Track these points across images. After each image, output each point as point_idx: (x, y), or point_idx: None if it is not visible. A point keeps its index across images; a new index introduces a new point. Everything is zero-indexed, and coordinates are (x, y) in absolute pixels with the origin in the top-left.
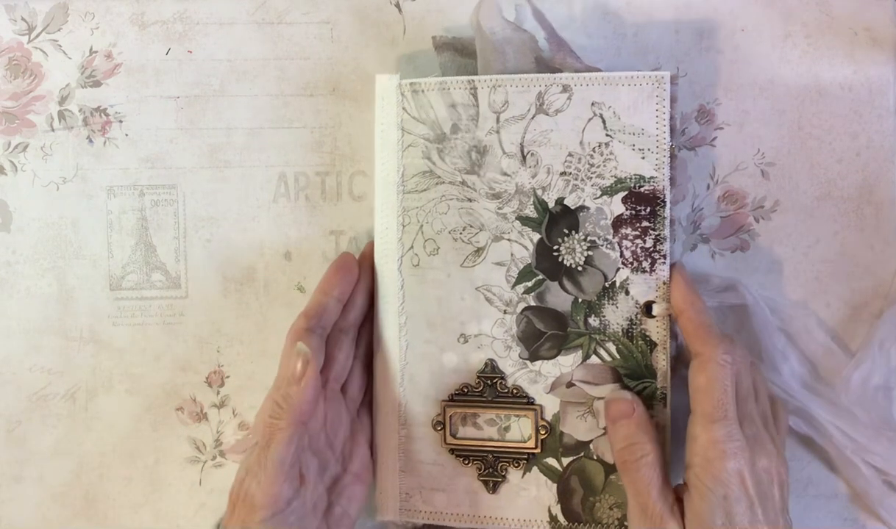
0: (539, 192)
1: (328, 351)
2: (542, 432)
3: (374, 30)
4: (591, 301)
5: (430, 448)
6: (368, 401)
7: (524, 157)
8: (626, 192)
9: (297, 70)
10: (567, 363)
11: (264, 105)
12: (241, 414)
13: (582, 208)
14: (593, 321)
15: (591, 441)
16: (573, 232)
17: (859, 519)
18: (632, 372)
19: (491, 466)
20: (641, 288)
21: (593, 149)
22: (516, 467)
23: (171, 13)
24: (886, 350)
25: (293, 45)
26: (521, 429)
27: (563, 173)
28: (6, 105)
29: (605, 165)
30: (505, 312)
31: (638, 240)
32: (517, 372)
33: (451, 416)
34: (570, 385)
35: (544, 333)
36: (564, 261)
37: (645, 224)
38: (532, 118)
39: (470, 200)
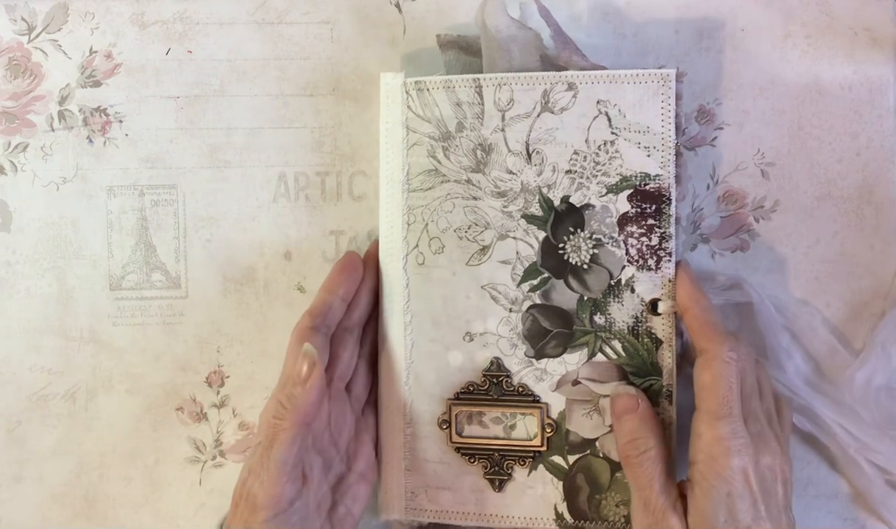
0: (544, 190)
1: (333, 350)
2: (548, 430)
3: (374, 30)
4: (596, 299)
5: (435, 446)
6: (373, 400)
7: (529, 156)
8: (632, 190)
9: (297, 70)
10: (573, 361)
11: (264, 105)
12: (241, 413)
13: (587, 206)
14: (599, 319)
15: (596, 438)
16: (579, 230)
17: (859, 519)
18: (637, 370)
19: (497, 464)
20: (647, 285)
21: (599, 147)
22: (522, 465)
23: (171, 13)
24: (888, 351)
25: (293, 45)
26: (526, 427)
27: (568, 171)
28: (6, 105)
29: (610, 163)
30: (510, 310)
31: (643, 238)
32: (523, 370)
33: (456, 415)
34: (575, 383)
35: (550, 331)
36: (570, 259)
37: (650, 222)
38: (537, 116)
39: (475, 199)
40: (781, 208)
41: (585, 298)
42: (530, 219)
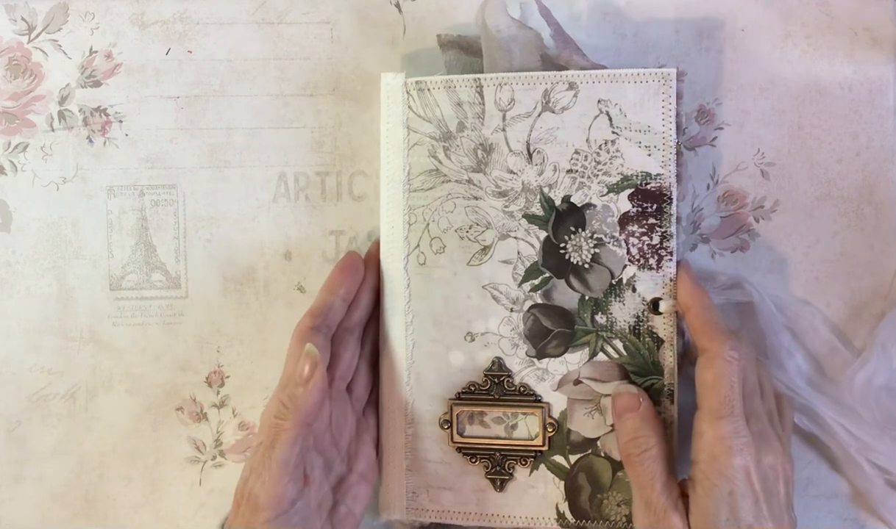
0: (545, 190)
1: (334, 350)
2: (550, 429)
3: (374, 30)
4: (597, 298)
5: (436, 446)
6: (374, 400)
7: (530, 155)
8: (633, 190)
9: (297, 70)
10: (574, 360)
11: (264, 105)
12: (241, 413)
13: (588, 206)
14: (600, 318)
15: (598, 438)
16: (580, 229)
17: (859, 519)
18: (639, 369)
19: (498, 464)
20: (648, 285)
21: (599, 147)
22: (524, 465)
23: (171, 13)
24: (889, 351)
25: (293, 45)
26: (528, 427)
27: (569, 171)
28: (6, 105)
29: (611, 163)
30: (512, 310)
31: (644, 237)
32: (524, 369)
33: (458, 415)
34: (577, 382)
35: (551, 331)
36: (571, 259)
37: (651, 221)
38: (538, 116)
39: (476, 198)
40: (781, 208)
41: (587, 298)
42: (531, 218)
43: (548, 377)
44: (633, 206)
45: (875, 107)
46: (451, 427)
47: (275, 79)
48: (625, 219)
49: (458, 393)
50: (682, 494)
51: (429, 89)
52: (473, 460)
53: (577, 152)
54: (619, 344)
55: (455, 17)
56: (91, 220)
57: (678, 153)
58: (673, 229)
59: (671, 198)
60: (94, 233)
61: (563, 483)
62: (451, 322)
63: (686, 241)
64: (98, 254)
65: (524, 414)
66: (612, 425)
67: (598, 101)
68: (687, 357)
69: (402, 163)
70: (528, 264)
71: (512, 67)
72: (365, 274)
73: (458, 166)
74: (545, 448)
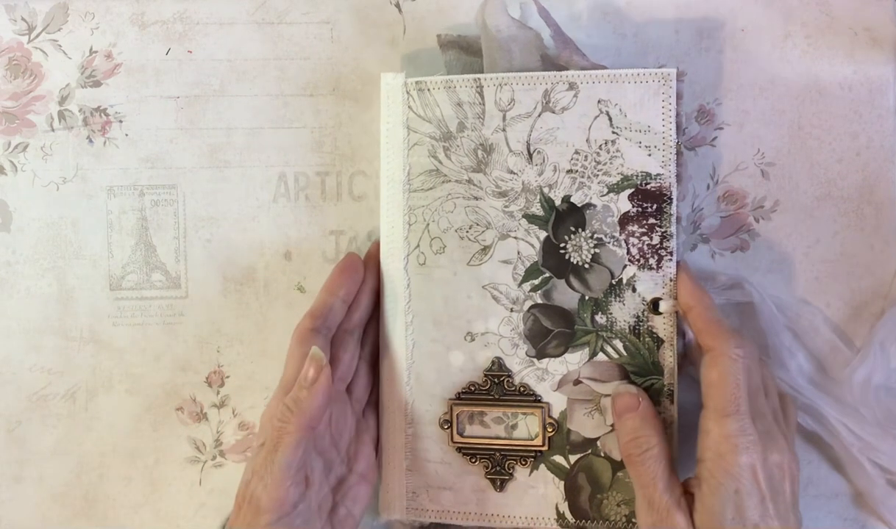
0: (546, 190)
1: (333, 351)
2: (550, 429)
3: (374, 30)
4: (597, 298)
5: (436, 446)
6: (374, 401)
7: (530, 155)
8: (633, 190)
9: (297, 70)
10: (574, 360)
11: (264, 105)
12: (241, 413)
13: (588, 206)
14: (600, 318)
15: (598, 438)
16: (580, 229)
17: (859, 519)
18: (639, 369)
19: (498, 464)
20: (648, 285)
21: (600, 147)
22: (524, 465)
23: (171, 13)
24: (887, 350)
25: (293, 45)
26: (528, 427)
27: (569, 171)
28: (6, 105)
29: (611, 163)
30: (512, 310)
31: (644, 237)
32: (524, 369)
33: (457, 415)
34: (577, 382)
35: (551, 331)
36: (571, 259)
37: (651, 221)
38: (538, 116)
39: (476, 198)
40: (781, 208)
41: (587, 298)
42: (531, 218)
43: (548, 377)
44: (633, 206)
45: (875, 107)
46: (451, 427)
47: (275, 79)
48: (625, 219)
49: (458, 393)
50: (685, 492)
51: (429, 89)
52: (473, 460)
53: (577, 152)
54: (619, 344)
55: (455, 17)
56: (91, 220)
57: (678, 153)
58: (673, 229)
59: (671, 198)
60: (94, 233)
61: (562, 483)
62: (451, 322)
63: (686, 241)
64: (98, 254)
65: (524, 414)
66: (612, 425)
67: (599, 101)
68: (687, 357)
69: (402, 163)
70: (528, 264)
71: (512, 67)
72: (364, 275)
73: (458, 166)
74: (545, 448)
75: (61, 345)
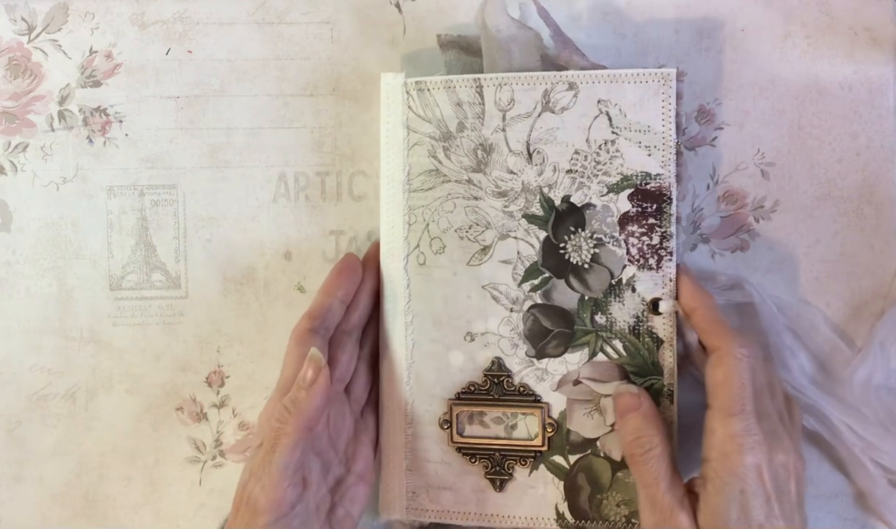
0: (545, 190)
1: (332, 352)
2: (549, 430)
3: (374, 30)
4: (597, 298)
5: (436, 446)
6: (372, 401)
7: (530, 155)
8: (633, 190)
9: (297, 70)
10: (574, 360)
11: (264, 105)
12: (241, 413)
13: (588, 206)
14: (600, 318)
15: (597, 438)
16: (579, 229)
17: (859, 519)
18: (638, 370)
19: (498, 464)
20: (648, 285)
21: (599, 147)
22: (523, 465)
23: (171, 13)
24: (887, 350)
25: (293, 45)
26: (527, 427)
27: (569, 171)
28: (6, 105)
29: (611, 163)
30: (511, 310)
31: (644, 238)
32: (524, 370)
33: (457, 415)
34: (576, 382)
35: (551, 331)
36: (571, 259)
37: (651, 221)
38: (538, 116)
39: (476, 198)
40: (781, 208)
41: (586, 298)
42: (531, 218)
43: (547, 377)
44: (633, 206)
45: (875, 107)
46: (450, 427)
47: (275, 79)
48: (624, 219)
49: (458, 393)
50: (689, 492)
51: (428, 89)
52: (473, 460)
53: (576, 152)
54: (618, 345)
55: (455, 17)
56: (91, 220)
57: (678, 153)
58: (673, 229)
59: (671, 198)
60: (94, 233)
61: (562, 483)
62: (451, 322)
63: (686, 241)
64: (98, 254)
65: (524, 414)
66: (612, 425)
67: (598, 101)
68: (688, 359)
69: (402, 164)
70: (527, 264)
71: (512, 67)
72: (363, 275)
73: (457, 166)
74: (545, 448)
75: (61, 345)
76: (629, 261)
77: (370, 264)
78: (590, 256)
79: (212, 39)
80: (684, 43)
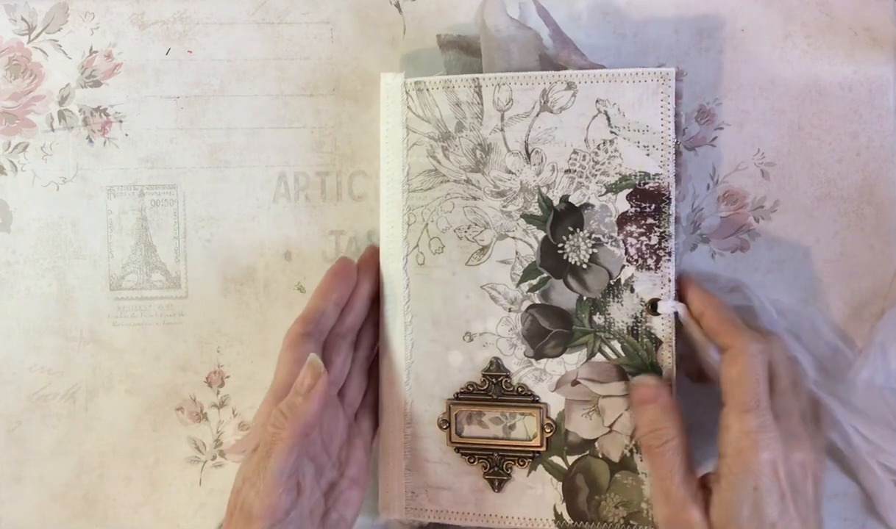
0: (544, 190)
1: (325, 355)
2: (548, 430)
3: (374, 30)
4: (595, 299)
5: (435, 446)
6: (366, 405)
7: (529, 155)
8: (631, 189)
9: (297, 70)
10: (572, 361)
11: (264, 105)
12: (241, 414)
13: (587, 206)
14: (598, 319)
15: (596, 439)
16: (578, 229)
17: (859, 519)
18: (637, 370)
19: (496, 464)
20: (647, 285)
21: (598, 147)
22: (521, 465)
23: (171, 13)
24: (887, 351)
25: (293, 45)
26: (526, 428)
27: (567, 171)
28: (6, 105)
29: (609, 162)
30: (510, 310)
31: (643, 238)
32: (522, 370)
33: (456, 415)
34: (575, 383)
35: (549, 331)
36: (569, 259)
37: (650, 221)
38: (536, 116)
39: (475, 198)
40: (781, 208)
41: (585, 298)
42: (529, 218)
43: (546, 377)
44: (632, 206)
45: (875, 107)
46: (449, 427)
47: (275, 79)
48: (623, 220)
49: (457, 393)
50: (703, 487)
51: (428, 89)
52: (472, 460)
53: (575, 152)
54: (617, 345)
55: (455, 17)
56: (91, 220)
57: (677, 153)
58: (671, 229)
59: (669, 198)
60: (94, 233)
61: (560, 484)
62: (450, 322)
63: (686, 241)
64: (98, 254)
65: (522, 414)
66: (611, 426)
67: (597, 101)
68: (686, 359)
69: (402, 164)
70: (526, 264)
71: (510, 67)
72: (358, 279)
73: (456, 166)
74: (543, 448)
75: (61, 345)
76: (628, 261)
77: (365, 267)
78: (588, 256)
79: (212, 39)
80: (684, 43)
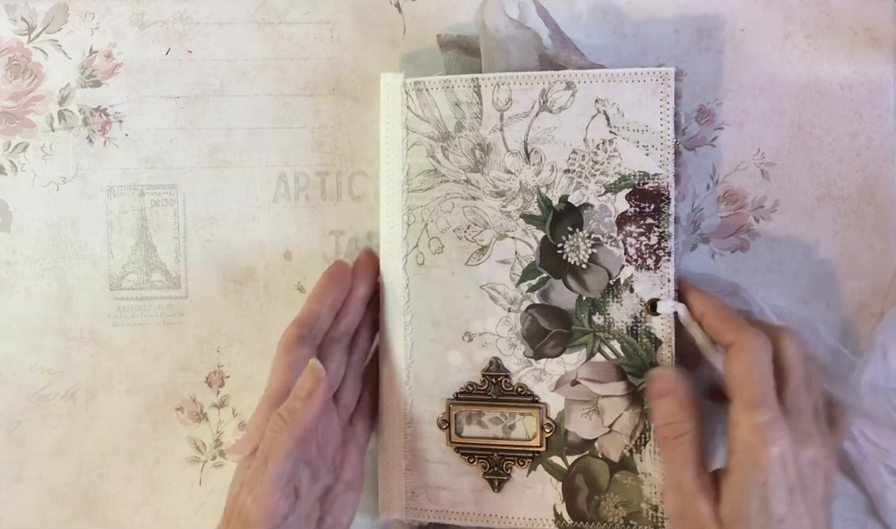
0: (543, 190)
1: (320, 360)
2: (547, 430)
3: (374, 30)
4: (595, 299)
5: (435, 446)
6: (361, 408)
7: (528, 155)
8: (631, 189)
9: (297, 70)
10: (571, 361)
11: (264, 105)
12: (241, 414)
13: (586, 206)
14: (598, 319)
15: (595, 439)
16: (577, 229)
17: (859, 519)
18: (637, 370)
19: (496, 464)
20: (646, 285)
21: (597, 147)
22: (521, 465)
23: (171, 13)
24: (888, 352)
25: (293, 45)
26: (525, 428)
27: (567, 171)
28: (6, 105)
29: (608, 162)
30: (509, 310)
31: (642, 238)
32: (522, 370)
33: (456, 415)
34: (574, 383)
35: (549, 331)
36: (569, 259)
37: (649, 221)
38: (536, 116)
39: (474, 198)
40: (781, 208)
41: (584, 298)
42: (529, 218)
43: (545, 377)
44: (631, 206)
45: (875, 107)
46: (449, 427)
47: (275, 79)
48: (622, 219)
49: (457, 393)
50: (715, 482)
51: (427, 89)
52: (471, 460)
53: (574, 152)
54: (616, 345)
55: (455, 17)
56: (91, 220)
57: (676, 153)
58: (671, 229)
59: (669, 198)
60: (94, 233)
61: (560, 484)
62: (450, 322)
63: (686, 241)
64: (98, 254)
65: (522, 414)
66: (610, 426)
67: (596, 101)
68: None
69: (401, 164)
70: (525, 264)
71: (510, 67)
72: (353, 282)
73: (456, 166)
74: (542, 448)
75: (61, 345)
76: (627, 261)
77: (360, 271)
78: (587, 256)
79: (212, 39)
80: (684, 43)
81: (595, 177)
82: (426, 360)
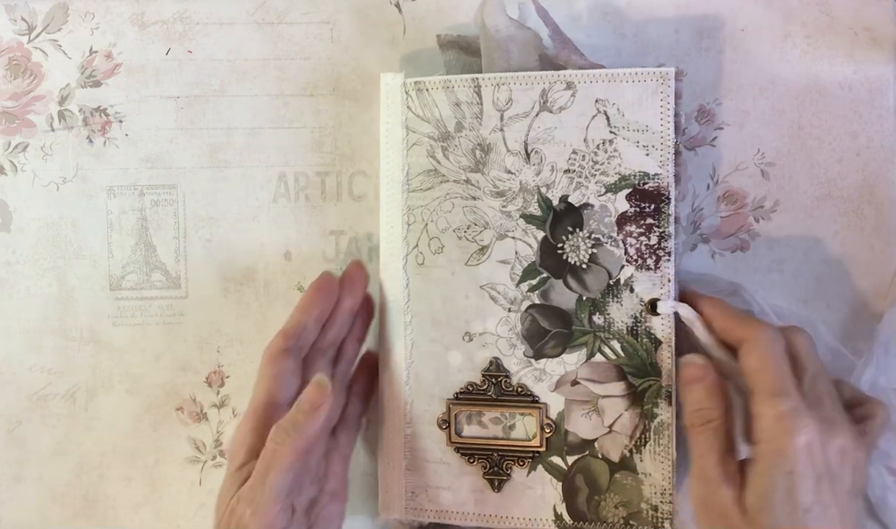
0: (543, 190)
1: (305, 371)
2: (547, 430)
3: (374, 30)
4: (595, 299)
5: (435, 446)
6: (344, 419)
7: (528, 155)
8: (631, 189)
9: (297, 70)
10: (571, 361)
11: (264, 105)
12: (240, 414)
13: (586, 206)
14: (598, 319)
15: (595, 439)
16: (577, 229)
17: (860, 519)
18: (637, 370)
19: (496, 465)
20: (646, 285)
21: (597, 147)
22: (521, 465)
23: (171, 13)
24: (890, 352)
25: (293, 45)
26: (525, 428)
27: (567, 171)
28: (6, 105)
29: (609, 162)
30: (509, 310)
31: (642, 238)
32: (522, 370)
33: (456, 415)
34: (574, 383)
35: (549, 331)
36: (569, 259)
37: (649, 221)
38: (536, 116)
39: (474, 198)
40: (781, 208)
41: (584, 298)
42: (529, 218)
43: (545, 377)
44: (631, 206)
45: (875, 107)
46: (449, 427)
47: (275, 79)
48: (622, 220)
49: (457, 393)
50: (740, 470)
51: (427, 89)
52: (471, 460)
53: (574, 152)
54: (616, 345)
55: (455, 17)
56: (91, 220)
57: (676, 153)
58: (671, 229)
59: (669, 198)
60: (94, 233)
61: (560, 484)
62: (450, 322)
63: (686, 241)
64: (98, 254)
65: (522, 414)
66: (610, 426)
67: (596, 101)
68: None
69: (402, 164)
70: (525, 264)
71: (510, 67)
72: (340, 294)
73: (456, 166)
74: (542, 448)
75: (61, 345)
76: (627, 261)
77: (347, 283)
78: (588, 256)
79: (212, 39)
80: (684, 43)
81: (595, 177)
82: (426, 360)
